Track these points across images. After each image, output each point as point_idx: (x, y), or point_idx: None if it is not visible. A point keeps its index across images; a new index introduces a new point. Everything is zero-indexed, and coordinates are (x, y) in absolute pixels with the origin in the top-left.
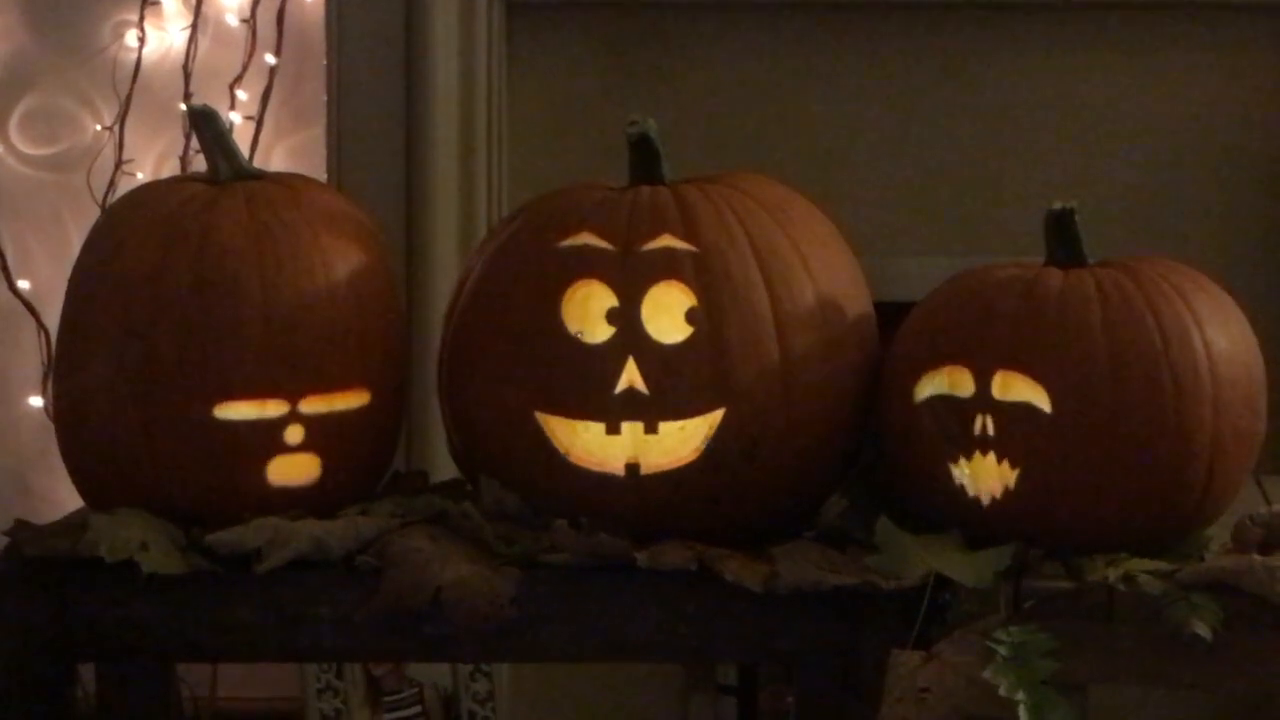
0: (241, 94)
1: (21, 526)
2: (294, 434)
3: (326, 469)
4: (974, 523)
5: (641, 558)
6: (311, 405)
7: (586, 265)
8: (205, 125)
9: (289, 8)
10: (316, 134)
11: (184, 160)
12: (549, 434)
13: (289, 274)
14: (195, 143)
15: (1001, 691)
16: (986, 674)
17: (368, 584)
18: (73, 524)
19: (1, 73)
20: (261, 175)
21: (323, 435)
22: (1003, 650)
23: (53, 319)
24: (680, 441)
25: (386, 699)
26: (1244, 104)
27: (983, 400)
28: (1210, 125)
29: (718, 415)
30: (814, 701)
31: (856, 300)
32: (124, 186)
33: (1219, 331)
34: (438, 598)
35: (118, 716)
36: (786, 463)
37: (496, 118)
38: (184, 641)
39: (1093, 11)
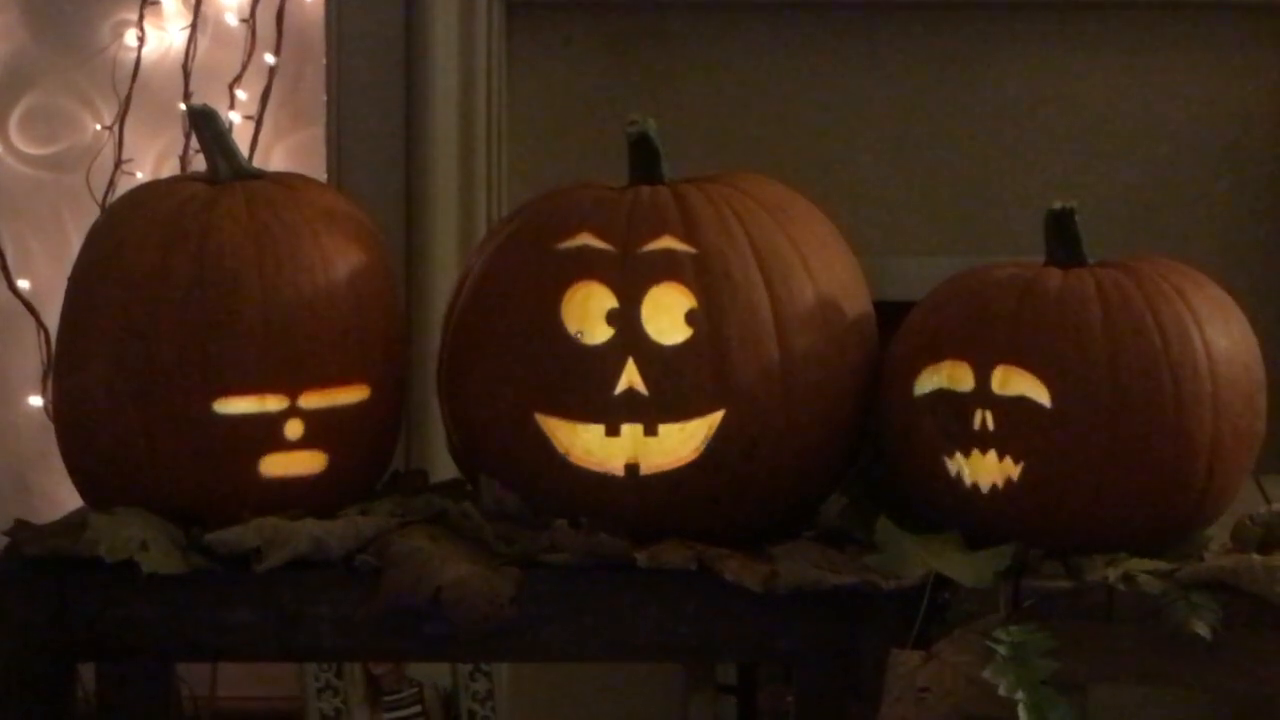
0: (241, 93)
1: (21, 526)
2: (294, 429)
3: (327, 464)
4: (973, 519)
5: (641, 557)
6: (311, 400)
7: (586, 266)
8: (205, 125)
9: (288, 7)
10: (316, 134)
11: (184, 160)
12: (549, 434)
13: (289, 273)
14: (195, 142)
15: (1001, 691)
16: (986, 673)
17: (367, 583)
18: (72, 523)
19: (1, 72)
20: (261, 175)
21: (323, 430)
22: (1002, 650)
23: (52, 318)
24: (680, 442)
25: (386, 698)
26: (1244, 104)
27: (982, 395)
28: (1210, 125)
29: (717, 416)
30: (813, 701)
31: (856, 300)
32: (124, 186)
33: (1219, 331)
34: (437, 597)
35: (117, 716)
36: (786, 462)
37: (496, 117)
38: (184, 641)
39: (1093, 11)
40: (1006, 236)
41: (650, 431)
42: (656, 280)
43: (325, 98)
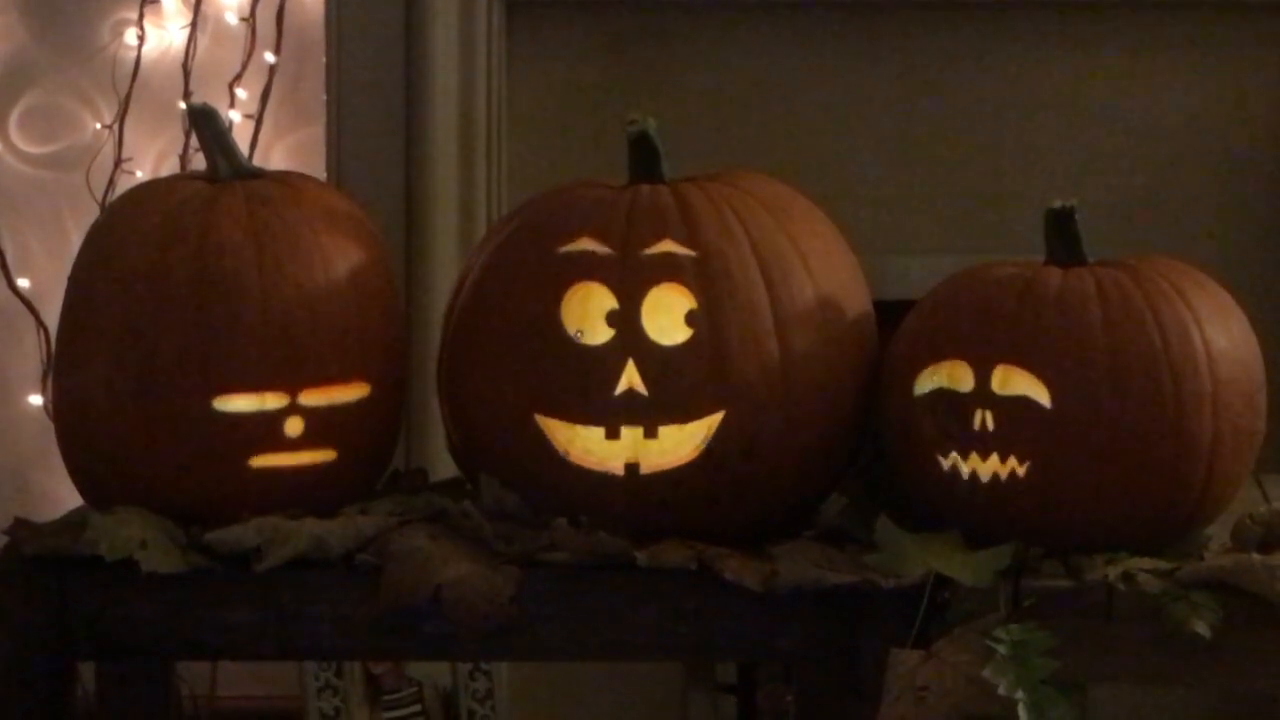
0: (241, 92)
1: (21, 525)
2: (294, 426)
3: (326, 462)
4: (973, 519)
5: (641, 557)
6: (311, 398)
7: (586, 269)
8: (205, 124)
9: (289, 6)
10: (316, 132)
11: (183, 159)
12: (548, 434)
13: (288, 272)
14: (195, 141)
15: (1001, 690)
16: (986, 673)
17: (367, 583)
18: (72, 522)
19: (1, 71)
20: (261, 174)
21: (323, 428)
22: (1002, 649)
23: (52, 317)
24: (680, 441)
25: (386, 697)
26: (1244, 104)
27: (982, 395)
28: (1210, 125)
29: (717, 418)
30: (813, 700)
31: (856, 299)
32: (123, 185)
33: (1219, 330)
34: (437, 596)
35: (117, 715)
36: (786, 462)
37: (496, 116)
38: (183, 640)
39: (1093, 11)
40: (1006, 235)
41: (650, 434)
42: (656, 281)
43: (325, 97)
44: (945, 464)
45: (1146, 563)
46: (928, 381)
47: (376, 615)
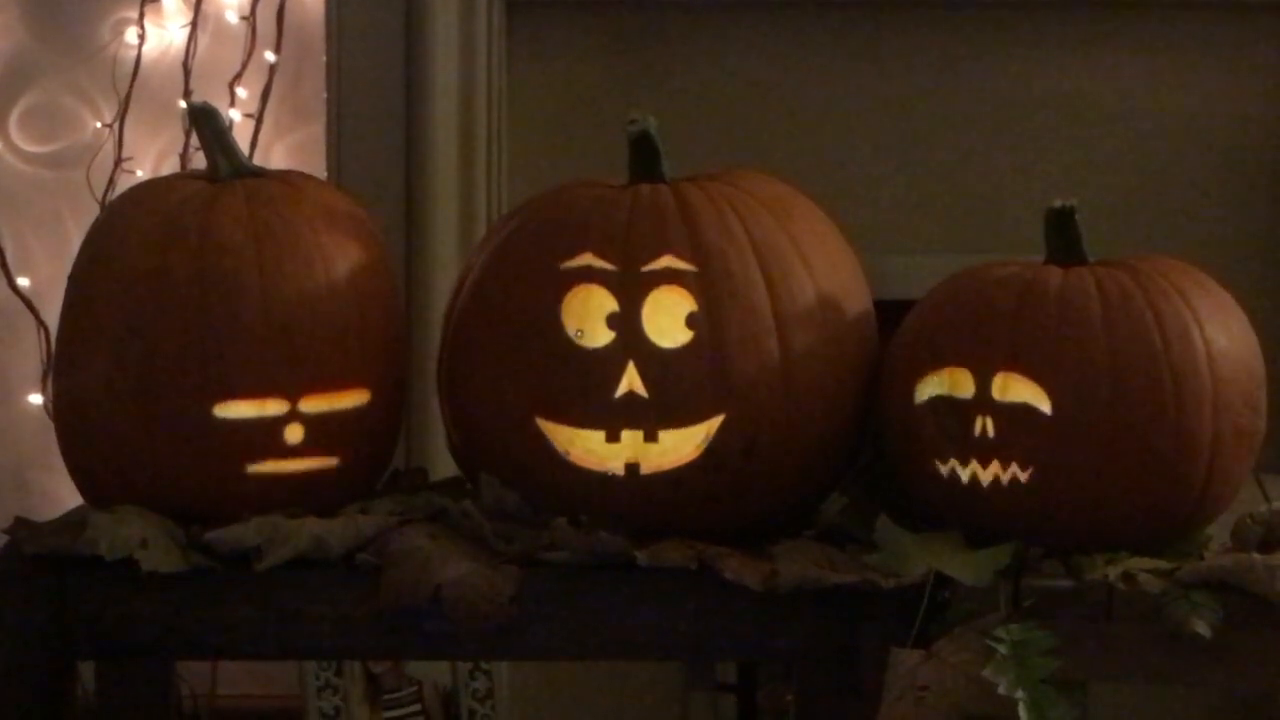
0: (241, 91)
1: (21, 524)
2: (294, 433)
3: (326, 468)
4: (973, 520)
5: (641, 556)
6: (311, 404)
7: (587, 277)
8: (205, 123)
9: (289, 5)
10: (316, 131)
11: (184, 158)
12: (548, 435)
13: (289, 271)
14: (195, 140)
15: (1001, 690)
16: (986, 672)
17: (367, 582)
18: (72, 522)
19: (1, 70)
20: (261, 173)
21: (323, 434)
22: (1002, 648)
23: (52, 317)
24: (680, 441)
25: (386, 697)
26: (1244, 104)
27: (983, 401)
28: (1210, 125)
29: (718, 420)
30: (813, 700)
31: (857, 298)
32: (124, 184)
33: (1219, 330)
34: (437, 596)
35: (117, 714)
36: (786, 461)
37: (497, 115)
38: (184, 639)
39: (1094, 11)
40: (1006, 235)
41: (650, 438)
42: (657, 284)
43: (326, 96)
44: (945, 469)
45: (1147, 562)
46: (928, 387)
47: (376, 614)
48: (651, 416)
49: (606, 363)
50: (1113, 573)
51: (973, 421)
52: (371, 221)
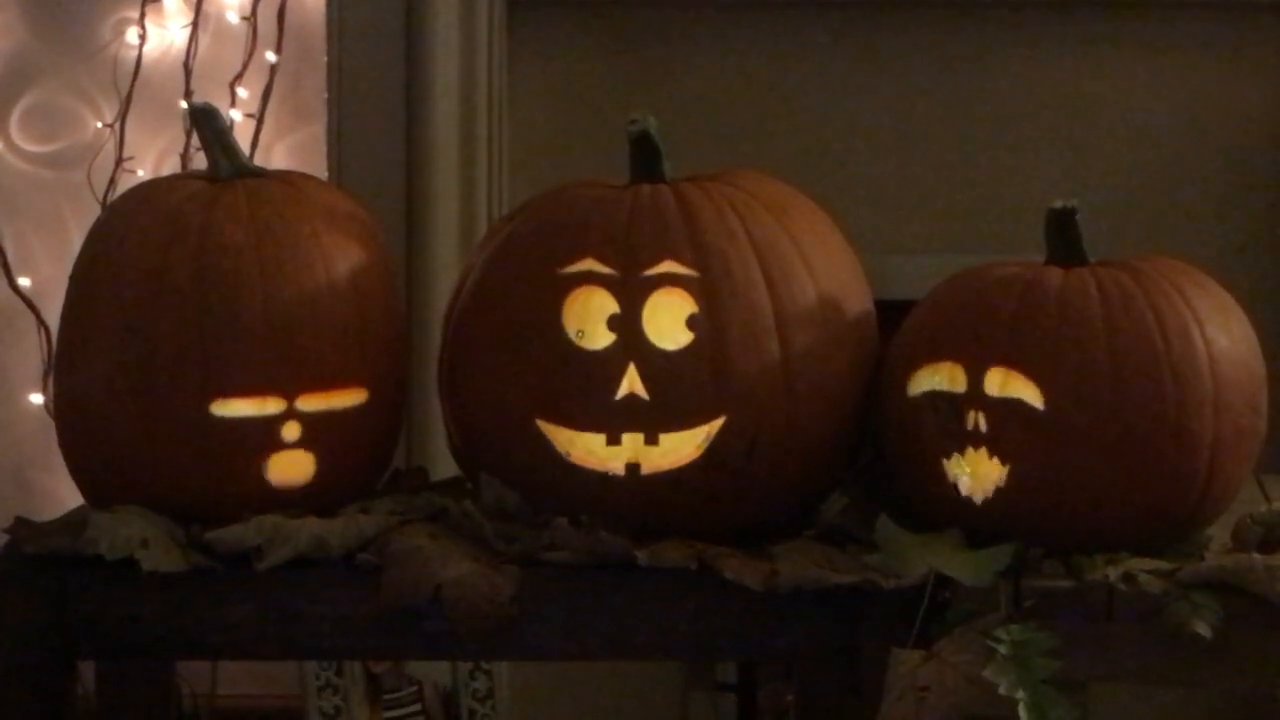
0: (242, 91)
1: (21, 524)
2: (291, 431)
3: (323, 466)
4: (968, 518)
5: (642, 556)
6: (309, 403)
7: (588, 281)
8: (206, 123)
9: (290, 5)
10: (317, 131)
11: (185, 158)
12: (549, 436)
13: (289, 271)
14: (196, 140)
15: (1002, 690)
16: (987, 673)
17: (368, 582)
18: (73, 521)
19: (2, 70)
20: (262, 173)
21: (320, 433)
22: (1003, 649)
23: (53, 316)
24: (681, 442)
25: (386, 697)
26: (1244, 104)
27: (975, 397)
28: (1210, 125)
29: (719, 421)
30: (814, 700)
31: (857, 298)
32: (125, 184)
33: (1220, 331)
34: (438, 595)
35: (118, 714)
36: (787, 461)
37: (497, 115)
38: (184, 639)
39: (1093, 11)
40: (1007, 235)
41: (651, 441)
42: (657, 287)
43: (326, 96)
44: (942, 469)
45: (1147, 563)
46: (923, 381)
47: (377, 614)
48: (652, 419)
49: (607, 364)
50: (1113, 573)
51: (965, 416)
52: (372, 221)
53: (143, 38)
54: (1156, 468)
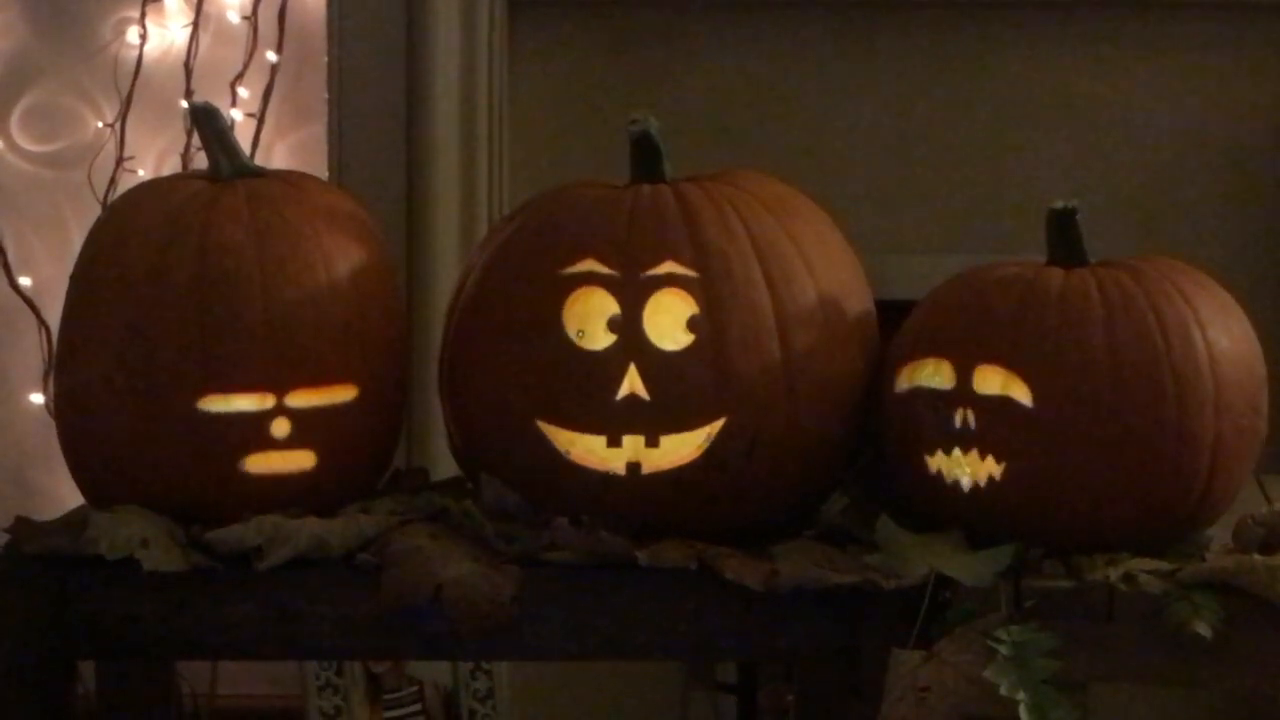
0: (243, 91)
1: (22, 524)
2: (280, 427)
3: (316, 464)
4: (961, 515)
5: (642, 556)
6: (304, 399)
7: (588, 282)
8: (206, 122)
9: (290, 5)
10: (318, 131)
11: (185, 157)
12: (549, 436)
13: (290, 271)
14: (196, 140)
15: (1002, 691)
16: (987, 673)
17: (368, 582)
18: (73, 521)
19: (3, 69)
20: (263, 173)
21: (310, 430)
22: (1003, 649)
23: (54, 316)
24: (681, 442)
25: (387, 697)
26: (1245, 104)
27: (963, 394)
28: (1210, 125)
29: (719, 422)
30: (814, 700)
31: (858, 298)
32: (125, 184)
33: (1221, 331)
34: (438, 596)
35: (118, 714)
36: (787, 461)
37: (498, 114)
38: (184, 639)
39: (1094, 11)
40: (1007, 235)
41: (651, 443)
42: (658, 287)
43: (327, 95)
44: (927, 464)
45: (1148, 563)
46: (910, 378)
47: (377, 614)
48: (653, 420)
49: (607, 365)
50: (1114, 573)
51: (954, 413)
52: (372, 221)
53: (143, 37)
54: (1157, 468)
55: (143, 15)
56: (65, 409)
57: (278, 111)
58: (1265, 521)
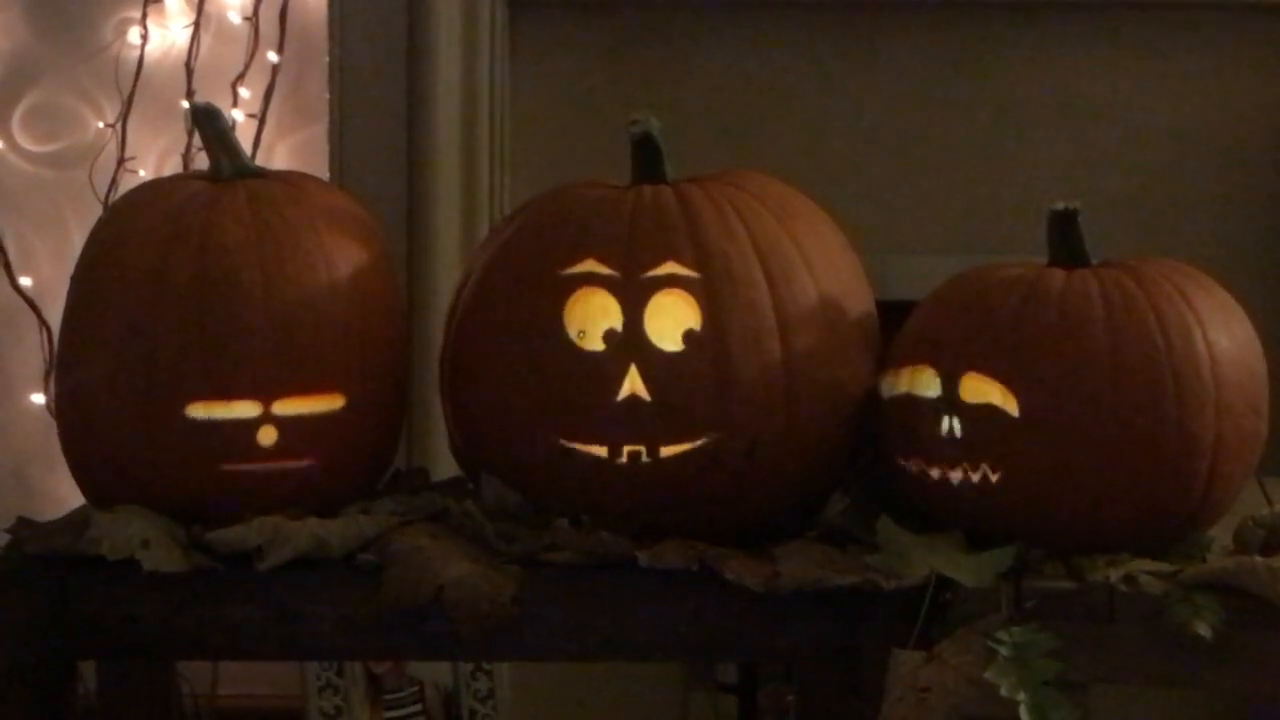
0: (244, 91)
1: (23, 524)
2: (266, 435)
3: (306, 471)
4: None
5: (643, 557)
6: (291, 407)
7: (589, 283)
8: (207, 123)
9: (291, 5)
10: (319, 131)
11: (186, 158)
12: (550, 437)
13: (290, 271)
14: (197, 140)
15: (1003, 692)
16: (988, 674)
17: (369, 582)
18: (74, 521)
19: (4, 70)
20: (263, 173)
21: (298, 438)
22: (1004, 650)
23: (55, 316)
24: (682, 445)
25: (387, 697)
26: (1245, 104)
27: (949, 401)
28: (1211, 125)
29: (720, 424)
30: (815, 700)
31: (859, 299)
32: (126, 184)
33: (1222, 332)
34: (439, 596)
35: (119, 714)
36: (788, 462)
37: (499, 115)
38: (185, 639)
39: (1095, 11)
40: (1007, 236)
41: (652, 454)
42: (659, 288)
43: (328, 96)
44: (918, 468)
45: (1148, 564)
46: (901, 383)
47: (378, 615)
48: (653, 425)
49: (608, 365)
50: (1114, 575)
51: (939, 421)
52: (373, 222)
53: (144, 38)
54: (1158, 469)
55: (144, 15)
56: (66, 409)
57: (279, 112)
58: (1266, 523)
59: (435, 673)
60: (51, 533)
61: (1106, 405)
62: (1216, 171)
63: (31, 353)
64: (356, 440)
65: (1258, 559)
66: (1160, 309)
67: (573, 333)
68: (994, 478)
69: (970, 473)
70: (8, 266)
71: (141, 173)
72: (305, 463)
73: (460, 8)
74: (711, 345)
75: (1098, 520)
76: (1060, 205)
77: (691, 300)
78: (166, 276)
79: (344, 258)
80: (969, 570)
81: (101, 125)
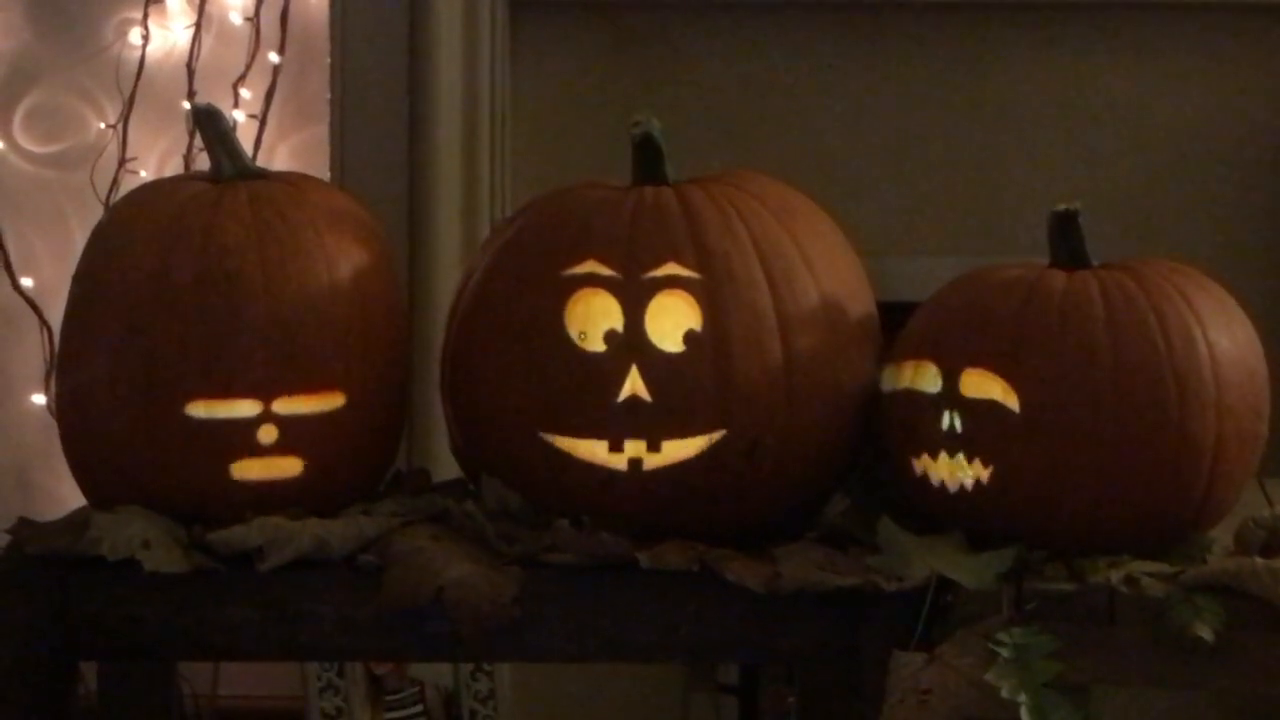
0: (245, 92)
1: (24, 524)
2: (267, 433)
3: (304, 470)
4: (951, 517)
5: (643, 558)
6: (291, 405)
7: (590, 283)
8: (209, 123)
9: (293, 6)
10: (320, 132)
11: (187, 159)
12: (551, 438)
13: (291, 272)
14: (199, 141)
15: (1004, 693)
16: (989, 676)
17: (369, 583)
18: (75, 522)
19: (5, 70)
20: (265, 174)
21: (298, 436)
22: (1005, 652)
23: (56, 317)
24: (683, 444)
25: (388, 698)
26: (1245, 104)
27: (950, 397)
28: (1210, 125)
29: (720, 425)
30: (816, 702)
31: (860, 300)
32: (127, 185)
33: (1222, 334)
34: (439, 597)
35: (119, 714)
36: (789, 463)
37: (500, 115)
38: (186, 640)
39: (1095, 11)
40: (1008, 236)
41: (653, 448)
42: (660, 289)
43: (329, 97)
44: (913, 466)
45: (1149, 566)
46: (898, 379)
47: (379, 615)
48: (654, 423)
49: (609, 366)
50: (1115, 576)
51: (939, 417)
52: (374, 223)
53: (146, 38)
54: (1158, 470)
55: (145, 16)
56: (67, 409)
57: (280, 113)
58: (1267, 524)
59: (436, 673)
60: (52, 533)
61: (1107, 406)
62: (1217, 171)
63: (32, 353)
64: (357, 440)
65: (1259, 560)
66: (1161, 310)
67: (573, 333)
68: (984, 475)
69: (966, 470)
70: (9, 267)
71: (143, 173)
72: (305, 462)
73: (461, 8)
74: (712, 346)
75: (1098, 521)
76: (1061, 207)
77: (692, 301)
78: (167, 277)
79: (345, 258)
80: (970, 571)
81: (103, 126)
